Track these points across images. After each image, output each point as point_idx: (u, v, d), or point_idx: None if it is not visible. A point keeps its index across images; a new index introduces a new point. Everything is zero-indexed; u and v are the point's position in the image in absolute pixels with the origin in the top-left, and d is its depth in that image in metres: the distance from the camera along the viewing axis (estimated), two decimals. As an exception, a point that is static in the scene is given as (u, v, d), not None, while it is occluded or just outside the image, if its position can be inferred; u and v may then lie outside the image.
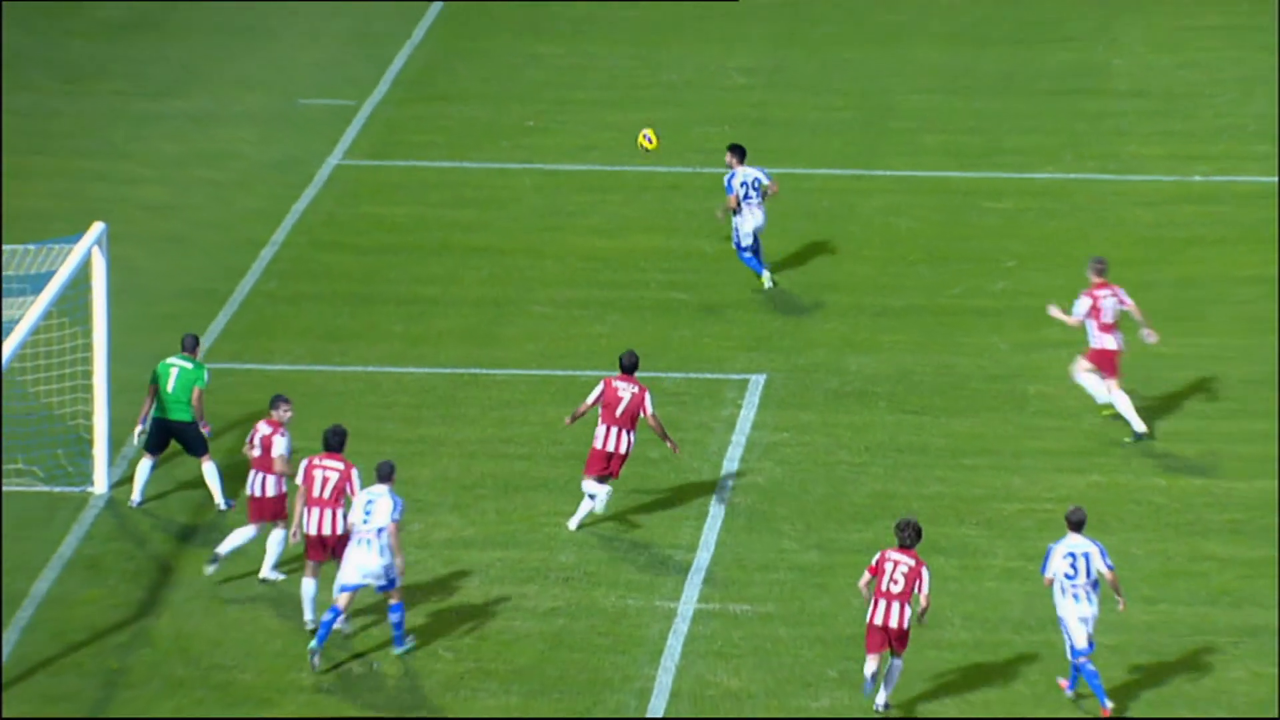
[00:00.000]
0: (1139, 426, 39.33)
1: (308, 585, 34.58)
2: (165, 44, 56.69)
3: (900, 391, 41.48)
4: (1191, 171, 49.50)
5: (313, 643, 33.64)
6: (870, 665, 32.25)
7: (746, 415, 40.53)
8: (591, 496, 36.60)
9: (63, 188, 48.99)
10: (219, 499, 37.41)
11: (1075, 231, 45.39)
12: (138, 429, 37.29)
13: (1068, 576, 32.67)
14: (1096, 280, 39.76)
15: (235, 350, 43.22)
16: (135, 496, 37.52)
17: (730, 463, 39.23)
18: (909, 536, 32.15)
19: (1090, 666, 32.53)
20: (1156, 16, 57.06)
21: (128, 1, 59.33)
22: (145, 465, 37.43)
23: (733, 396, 40.54)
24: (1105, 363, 39.39)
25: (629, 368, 36.42)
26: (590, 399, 36.64)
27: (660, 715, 33.11)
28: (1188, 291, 44.69)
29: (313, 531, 34.48)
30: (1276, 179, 48.79)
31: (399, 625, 34.02)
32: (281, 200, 48.90)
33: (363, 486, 34.05)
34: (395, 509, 33.76)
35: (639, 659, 34.34)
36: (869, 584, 32.22)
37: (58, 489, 37.94)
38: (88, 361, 38.34)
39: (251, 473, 35.16)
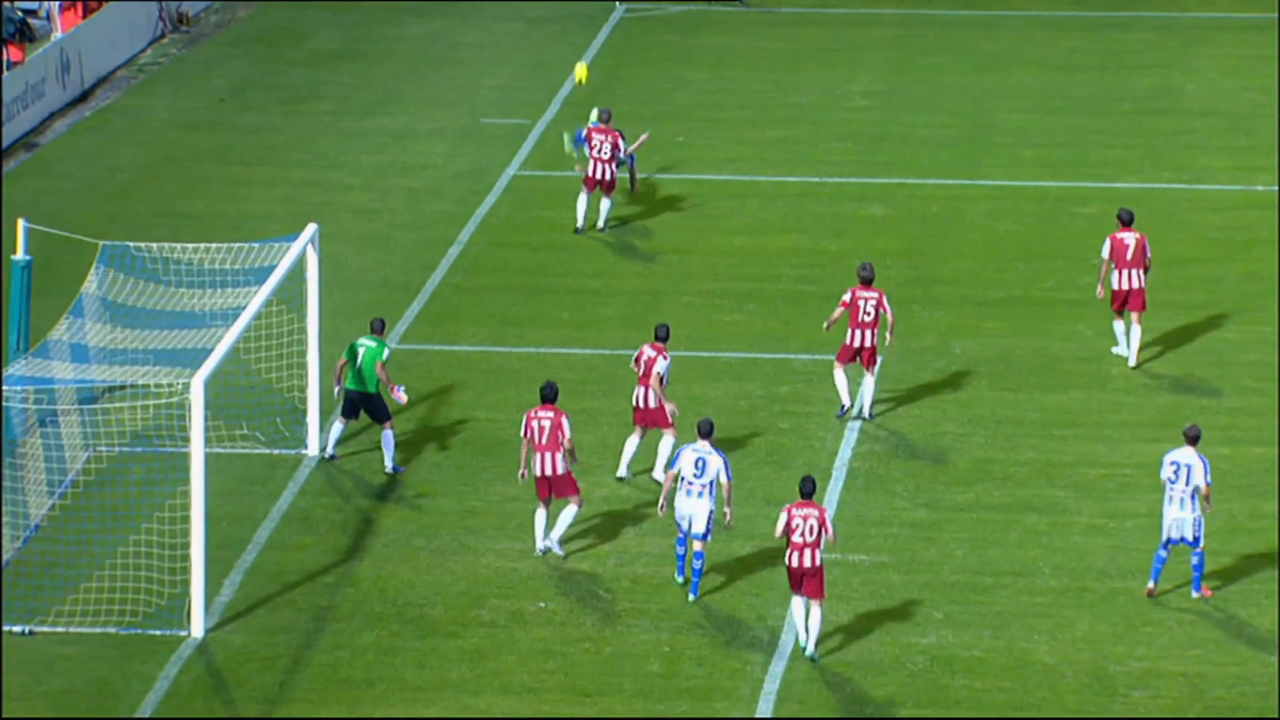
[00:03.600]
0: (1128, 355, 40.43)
1: (539, 517, 35.10)
2: (369, 70, 56.98)
3: (999, 371, 41.35)
4: (1254, 182, 49.16)
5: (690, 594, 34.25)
6: (796, 607, 32.55)
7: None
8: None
9: (282, 194, 49.36)
10: (389, 463, 37.51)
11: (1152, 234, 44.93)
12: (335, 390, 37.49)
13: (1170, 481, 33.02)
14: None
15: (427, 334, 43.43)
16: (329, 450, 37.90)
17: (850, 433, 39.15)
18: (807, 489, 32.50)
19: (1163, 554, 33.02)
20: (1224, 46, 56.82)
21: (337, 33, 59.49)
22: (338, 426, 37.83)
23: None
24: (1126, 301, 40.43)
25: None
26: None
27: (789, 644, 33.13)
28: (1251, 285, 44.51)
29: (537, 473, 34.78)
30: None
31: (699, 572, 34.26)
32: (467, 205, 49.10)
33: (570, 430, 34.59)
34: (726, 468, 33.93)
35: (771, 601, 34.33)
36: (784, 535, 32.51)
37: (276, 451, 38.18)
38: (302, 343, 38.54)
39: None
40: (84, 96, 55.41)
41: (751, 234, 47.59)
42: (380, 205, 48.75)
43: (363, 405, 37.50)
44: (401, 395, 37.43)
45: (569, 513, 35.25)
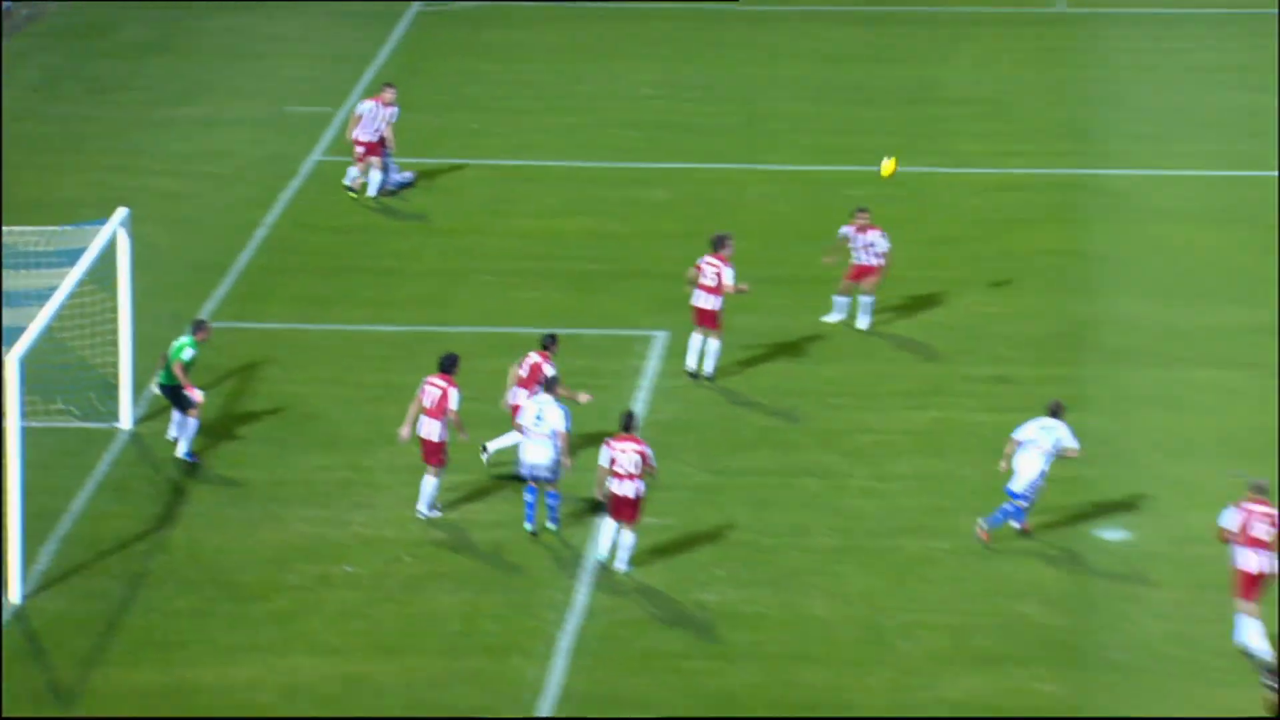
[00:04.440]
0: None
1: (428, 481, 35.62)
2: (176, 62, 56.86)
3: (780, 345, 41.72)
4: (1010, 165, 49.81)
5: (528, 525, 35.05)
6: (606, 530, 33.67)
7: (652, 365, 40.71)
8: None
9: (93, 180, 49.15)
10: (183, 449, 37.52)
11: (915, 214, 45.60)
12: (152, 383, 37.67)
13: (1029, 442, 34.37)
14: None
15: (235, 312, 43.38)
16: (171, 434, 37.85)
17: (638, 404, 39.44)
18: (626, 423, 33.63)
19: (1008, 507, 34.13)
20: (981, 41, 57.40)
21: (144, 27, 59.20)
22: (174, 414, 37.69)
23: (640, 350, 40.74)
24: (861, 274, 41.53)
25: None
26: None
27: (583, 602, 33.43)
28: (1006, 262, 45.13)
29: (421, 434, 35.35)
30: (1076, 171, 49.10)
31: (555, 509, 34.97)
32: (272, 190, 49.07)
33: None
34: (566, 419, 34.55)
35: (566, 561, 34.64)
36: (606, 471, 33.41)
37: (91, 425, 38.05)
38: (114, 321, 38.44)
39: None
40: (-97, 88, 54.96)
41: (543, 217, 47.86)
42: (188, 190, 48.68)
43: (169, 396, 37.44)
44: (196, 394, 37.24)
45: (429, 481, 35.51)
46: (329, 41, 57.46)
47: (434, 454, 35.55)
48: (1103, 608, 33.53)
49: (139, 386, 38.45)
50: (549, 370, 36.11)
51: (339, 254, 46.05)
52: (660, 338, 41.73)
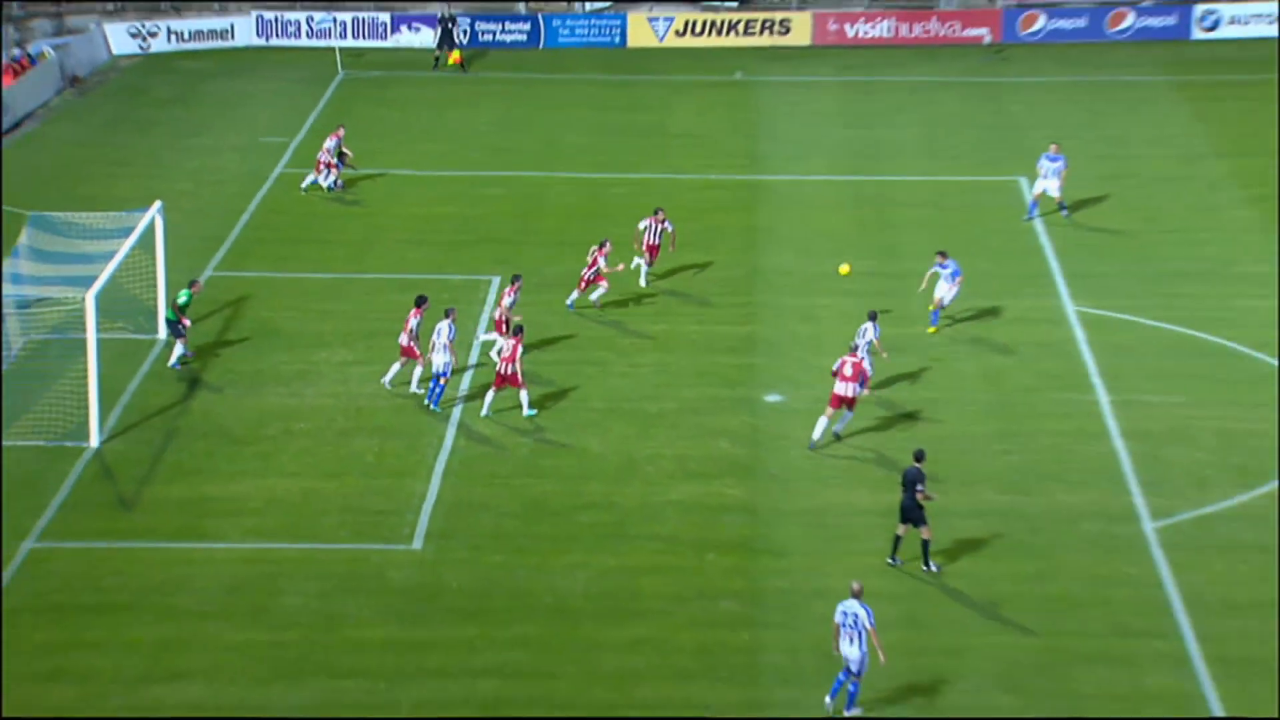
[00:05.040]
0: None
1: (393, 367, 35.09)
2: (191, 110, 55.99)
3: (570, 290, 41.50)
4: (710, 172, 49.71)
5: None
6: (489, 397, 32.89)
7: (491, 295, 40.29)
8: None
9: (137, 184, 47.81)
10: (175, 358, 36.46)
11: (654, 205, 45.74)
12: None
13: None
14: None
15: (229, 266, 42.72)
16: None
17: (482, 321, 39.06)
18: (517, 330, 34.34)
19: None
20: (690, 96, 57.15)
21: (168, 88, 58.47)
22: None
23: (484, 286, 40.38)
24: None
25: None
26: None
27: (449, 444, 33.23)
28: (710, 234, 44.79)
29: (401, 342, 34.99)
30: (749, 177, 49.19)
31: (438, 392, 34.12)
32: (252, 190, 48.29)
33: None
34: (451, 332, 34.10)
35: (442, 417, 34.29)
36: None
37: (140, 336, 37.20)
38: (153, 272, 37.86)
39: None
40: (15, 126, 54.28)
41: (425, 205, 47.48)
42: (198, 191, 48.14)
43: (169, 326, 36.68)
44: (186, 323, 36.18)
45: (393, 367, 35.12)
46: (287, 96, 56.91)
47: (407, 353, 35.14)
48: (765, 441, 34.07)
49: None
50: (423, 311, 35.09)
51: (294, 230, 45.52)
52: (496, 281, 41.69)
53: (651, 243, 40.77)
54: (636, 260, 40.87)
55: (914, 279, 40.91)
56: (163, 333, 37.84)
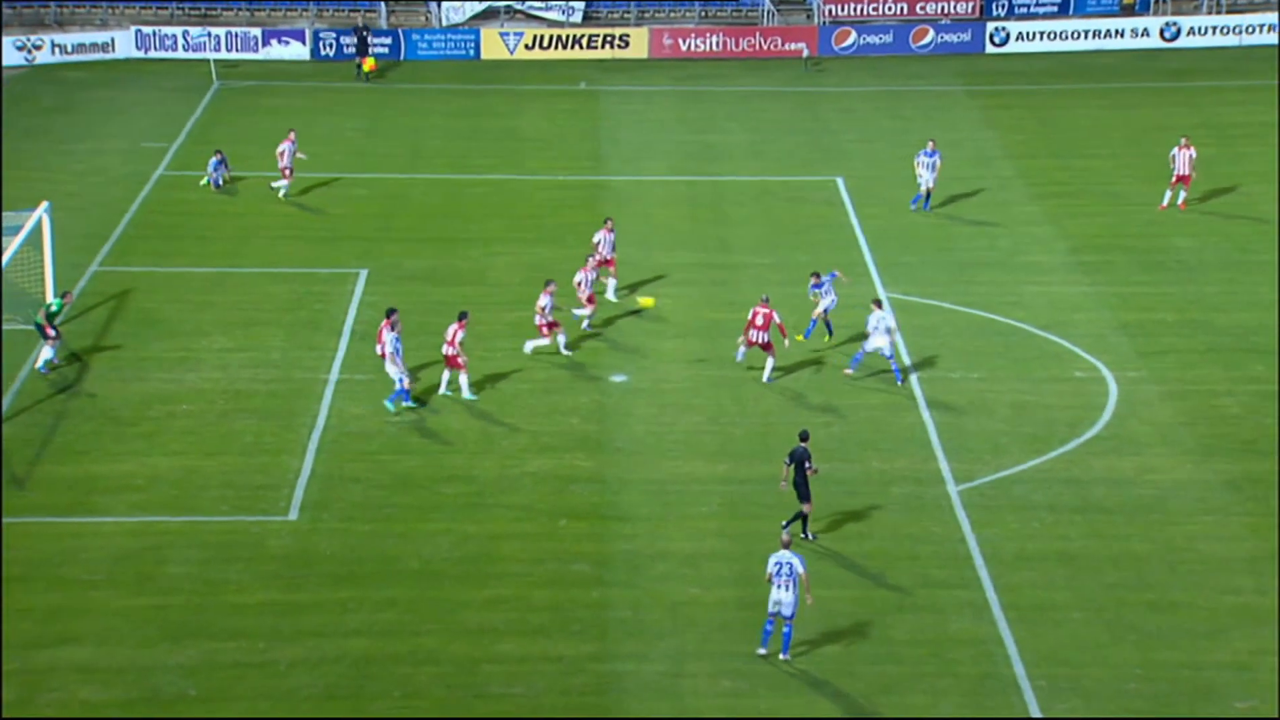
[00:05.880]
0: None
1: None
2: (75, 116, 55.01)
3: (435, 277, 41.21)
4: (558, 173, 49.72)
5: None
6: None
7: (359, 287, 39.99)
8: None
9: (26, 185, 46.97)
10: (43, 361, 35.28)
11: (508, 203, 45.49)
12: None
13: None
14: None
15: (113, 261, 42.27)
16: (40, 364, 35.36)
17: (351, 309, 38.75)
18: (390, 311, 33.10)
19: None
20: (539, 104, 57.24)
21: (54, 96, 57.35)
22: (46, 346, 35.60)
23: (352, 279, 40.03)
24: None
25: None
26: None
27: (322, 423, 33.01)
28: (558, 230, 44.58)
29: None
30: (595, 178, 49.34)
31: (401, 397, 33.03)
32: (134, 191, 47.80)
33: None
34: (396, 342, 32.95)
35: (315, 397, 33.92)
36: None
37: (26, 327, 36.53)
38: (42, 267, 37.14)
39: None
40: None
41: (296, 204, 46.99)
42: (84, 191, 47.42)
43: (38, 329, 35.35)
44: (51, 332, 35.02)
45: (391, 370, 33.64)
46: (166, 104, 56.08)
47: (451, 363, 33.98)
48: (611, 417, 34.23)
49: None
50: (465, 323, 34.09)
51: (175, 227, 45.04)
52: (363, 273, 41.45)
53: (607, 256, 39.24)
54: (611, 281, 38.90)
55: (744, 270, 41.40)
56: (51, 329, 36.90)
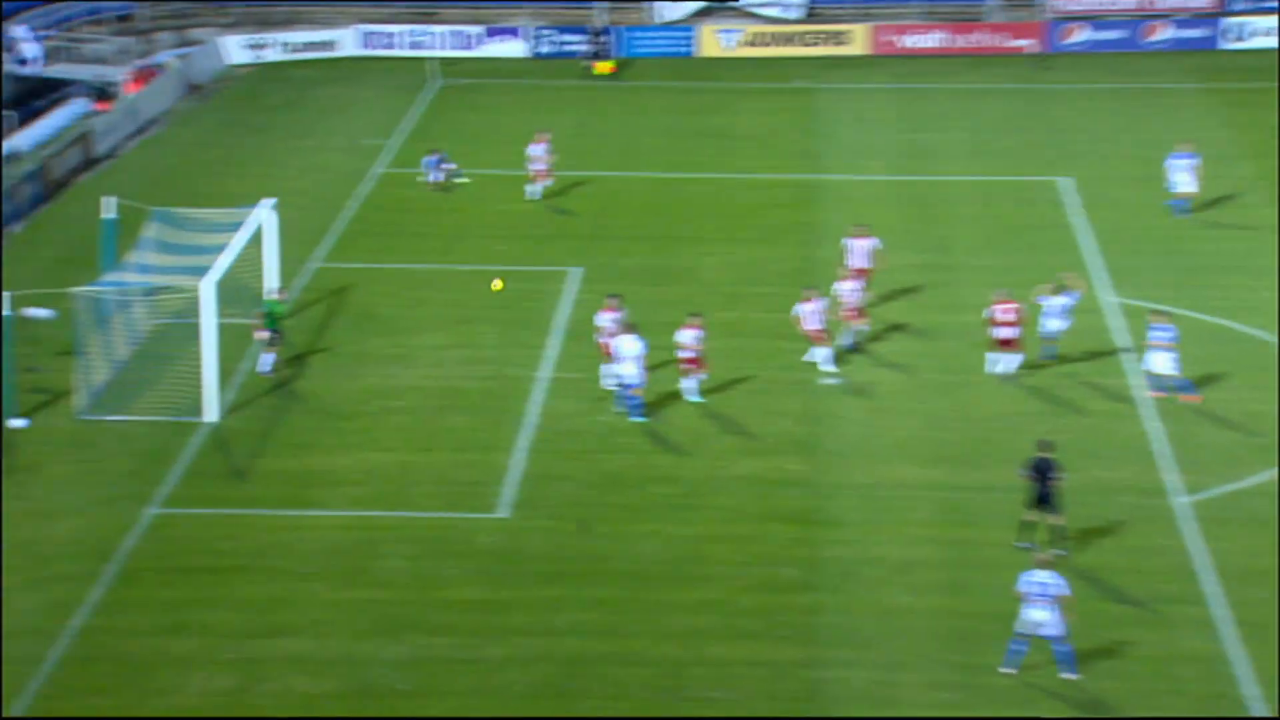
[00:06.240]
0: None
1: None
2: (297, 114, 56.32)
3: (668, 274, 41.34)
4: (774, 171, 49.22)
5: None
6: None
7: (573, 286, 40.33)
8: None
9: (249, 182, 48.06)
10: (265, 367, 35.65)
11: (717, 202, 45.21)
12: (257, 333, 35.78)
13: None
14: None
15: (333, 258, 43.00)
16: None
17: (563, 311, 38.89)
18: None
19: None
20: (753, 101, 56.78)
21: (280, 94, 58.82)
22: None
23: (560, 278, 40.50)
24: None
25: None
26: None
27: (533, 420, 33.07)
28: (771, 230, 44.29)
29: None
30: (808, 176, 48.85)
31: (639, 406, 32.54)
32: (352, 187, 48.60)
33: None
34: (643, 347, 32.33)
35: (526, 394, 34.21)
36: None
37: (244, 320, 37.03)
38: (260, 263, 37.88)
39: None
40: (142, 129, 54.81)
41: (508, 202, 47.02)
42: (305, 188, 48.28)
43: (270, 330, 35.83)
44: (263, 334, 35.50)
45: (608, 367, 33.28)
46: (387, 101, 57.13)
47: (692, 364, 33.15)
48: (824, 421, 33.48)
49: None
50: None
51: (392, 224, 45.60)
52: (576, 271, 41.61)
53: (863, 266, 37.35)
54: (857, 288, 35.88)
55: (963, 271, 40.77)
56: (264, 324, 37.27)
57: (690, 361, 33.59)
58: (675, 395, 34.55)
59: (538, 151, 46.35)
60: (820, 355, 35.27)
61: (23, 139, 52.54)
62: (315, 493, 31.00)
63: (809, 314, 34.97)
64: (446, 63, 61.08)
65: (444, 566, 28.70)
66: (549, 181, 46.49)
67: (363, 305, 39.83)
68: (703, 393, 34.35)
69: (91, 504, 30.44)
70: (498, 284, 37.05)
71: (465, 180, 47.24)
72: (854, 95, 57.05)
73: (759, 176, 48.61)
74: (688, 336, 33.88)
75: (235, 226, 36.87)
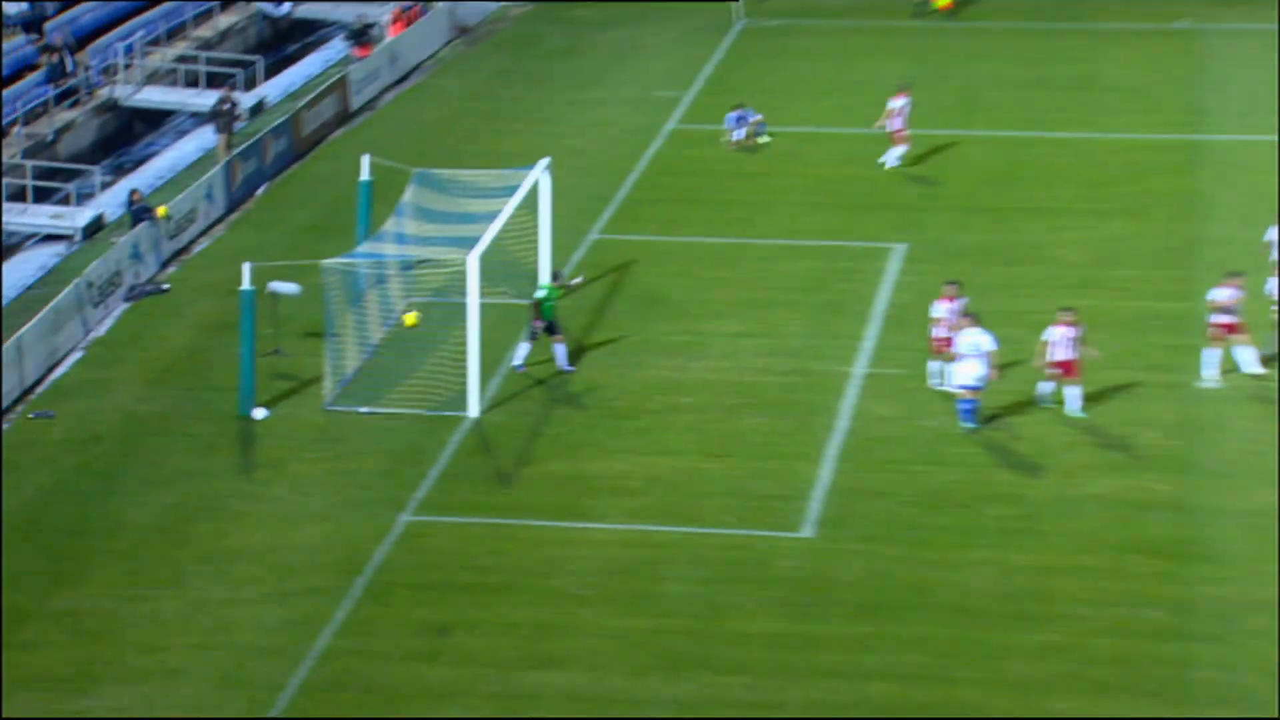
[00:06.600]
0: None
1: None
2: (580, 61, 57.24)
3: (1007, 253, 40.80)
4: (1147, 131, 48.29)
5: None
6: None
7: (894, 266, 40.14)
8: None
9: (525, 140, 49.33)
10: (562, 364, 35.67)
11: (1078, 166, 44.21)
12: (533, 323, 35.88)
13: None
14: None
15: (614, 229, 43.63)
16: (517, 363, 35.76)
17: (883, 293, 38.93)
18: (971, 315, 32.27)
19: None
20: (1125, 46, 55.65)
21: (561, 38, 59.62)
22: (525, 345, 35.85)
23: (882, 255, 40.32)
24: None
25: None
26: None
27: (844, 425, 32.99)
28: (1144, 198, 43.52)
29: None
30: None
31: (974, 411, 32.57)
32: (641, 147, 49.23)
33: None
34: (992, 342, 32.22)
35: (836, 397, 34.08)
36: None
37: (520, 301, 37.42)
38: (535, 233, 38.32)
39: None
40: (404, 78, 56.15)
41: (824, 165, 47.27)
42: (586, 147, 49.00)
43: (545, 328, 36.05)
44: (538, 324, 35.49)
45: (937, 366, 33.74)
46: (681, 47, 57.57)
47: (1064, 368, 33.07)
48: (1201, 434, 32.63)
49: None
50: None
51: (685, 190, 46.07)
52: (900, 248, 41.36)
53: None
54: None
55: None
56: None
57: (1227, 327, 32.64)
58: (1018, 399, 33.93)
59: (898, 106, 45.70)
60: (1247, 357, 34.10)
61: (271, 88, 54.37)
62: (589, 502, 31.28)
63: (1227, 302, 33.67)
64: (753, 0, 61.40)
65: (737, 593, 28.67)
66: (908, 146, 46.11)
67: (647, 285, 40.14)
68: (1057, 399, 33.63)
69: (339, 508, 31.19)
70: (411, 318, 35.61)
71: (767, 140, 47.44)
72: (1251, 37, 55.64)
73: (1128, 136, 47.86)
74: (1224, 295, 33.01)
75: (507, 191, 37.35)
